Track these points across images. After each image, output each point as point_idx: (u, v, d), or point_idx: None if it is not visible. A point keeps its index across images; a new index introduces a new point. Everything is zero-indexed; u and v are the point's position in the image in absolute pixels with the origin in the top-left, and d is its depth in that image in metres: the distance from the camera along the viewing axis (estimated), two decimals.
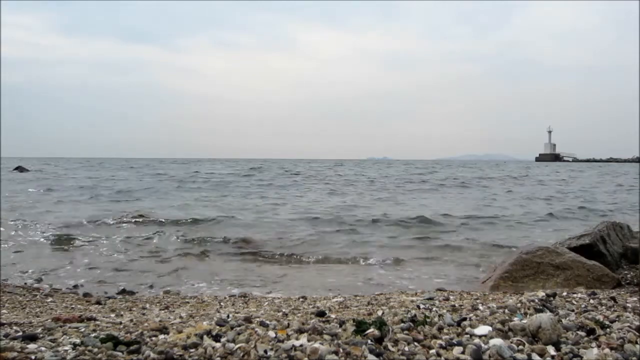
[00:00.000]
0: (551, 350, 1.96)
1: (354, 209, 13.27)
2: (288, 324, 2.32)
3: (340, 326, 2.24)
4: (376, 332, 2.06)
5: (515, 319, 2.35)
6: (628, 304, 2.87)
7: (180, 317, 3.14)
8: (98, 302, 4.42)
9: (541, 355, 1.92)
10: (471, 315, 2.47)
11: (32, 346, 1.99)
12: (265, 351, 1.90)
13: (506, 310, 2.54)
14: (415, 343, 2.03)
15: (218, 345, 1.98)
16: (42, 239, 8.57)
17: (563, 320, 2.31)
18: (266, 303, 4.21)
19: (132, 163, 65.44)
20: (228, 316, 2.80)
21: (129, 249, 7.89)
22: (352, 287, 5.52)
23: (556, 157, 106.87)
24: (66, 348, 1.98)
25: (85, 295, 4.96)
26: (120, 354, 1.92)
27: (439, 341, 2.04)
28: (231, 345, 1.97)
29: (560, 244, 5.60)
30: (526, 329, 2.12)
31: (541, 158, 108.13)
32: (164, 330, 2.34)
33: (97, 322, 2.84)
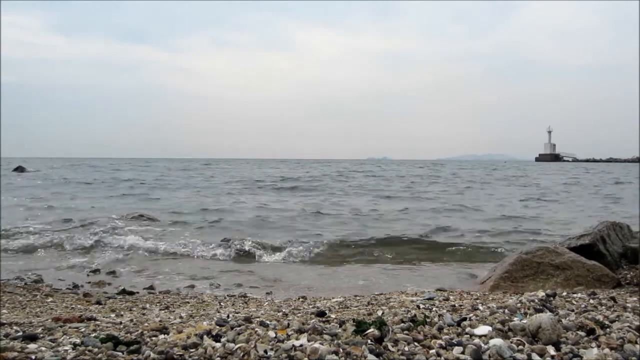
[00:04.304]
0: (551, 350, 1.96)
1: None
2: (288, 324, 2.32)
3: (340, 326, 2.24)
4: (376, 332, 2.06)
5: (515, 319, 2.35)
6: (628, 304, 2.87)
7: (180, 317, 3.14)
8: (98, 302, 4.42)
9: (541, 355, 1.92)
10: (471, 315, 2.47)
11: (32, 346, 1.99)
12: (265, 351, 1.90)
13: (506, 310, 2.54)
14: (415, 343, 2.03)
15: (218, 345, 1.98)
16: None
17: (563, 320, 2.31)
18: (266, 303, 4.22)
19: (145, 163, 65.50)
20: (228, 316, 2.80)
21: None
22: None
23: (556, 157, 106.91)
24: (66, 348, 1.98)
25: (85, 295, 4.96)
26: (120, 354, 1.92)
27: (439, 341, 2.04)
28: (231, 345, 1.97)
29: (560, 244, 5.60)
30: (526, 329, 2.12)
31: (541, 158, 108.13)
32: (164, 330, 2.34)
33: (97, 322, 2.85)
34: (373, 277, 6.22)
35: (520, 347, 1.98)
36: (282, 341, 2.02)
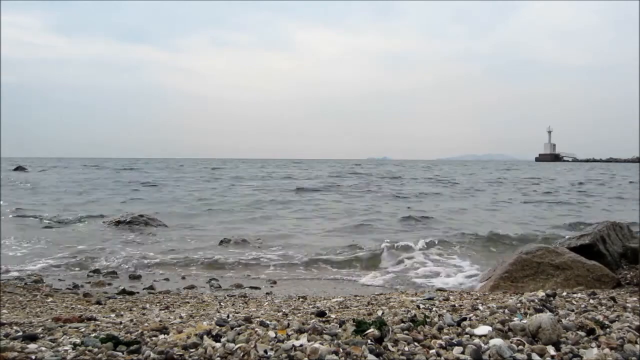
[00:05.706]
0: (551, 350, 1.96)
1: None
2: (288, 324, 2.32)
3: (340, 326, 2.24)
4: (376, 332, 2.06)
5: (515, 319, 2.35)
6: (628, 304, 2.87)
7: (181, 317, 3.14)
8: (98, 302, 4.42)
9: (541, 355, 1.92)
10: (471, 315, 2.47)
11: (32, 346, 1.99)
12: (265, 351, 1.90)
13: (506, 310, 2.54)
14: (415, 343, 2.03)
15: (218, 345, 1.98)
16: None
17: (563, 320, 2.31)
18: (266, 303, 4.22)
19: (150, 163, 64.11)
20: (228, 316, 2.80)
21: None
22: None
23: (556, 157, 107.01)
24: (66, 348, 1.98)
25: (85, 295, 4.97)
26: (120, 354, 1.92)
27: (439, 341, 2.04)
28: (231, 345, 1.97)
29: (560, 244, 5.60)
30: (526, 329, 2.12)
31: (541, 158, 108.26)
32: (164, 330, 2.34)
33: (97, 322, 2.84)
34: None
35: (520, 347, 1.98)
36: (282, 341, 2.02)
